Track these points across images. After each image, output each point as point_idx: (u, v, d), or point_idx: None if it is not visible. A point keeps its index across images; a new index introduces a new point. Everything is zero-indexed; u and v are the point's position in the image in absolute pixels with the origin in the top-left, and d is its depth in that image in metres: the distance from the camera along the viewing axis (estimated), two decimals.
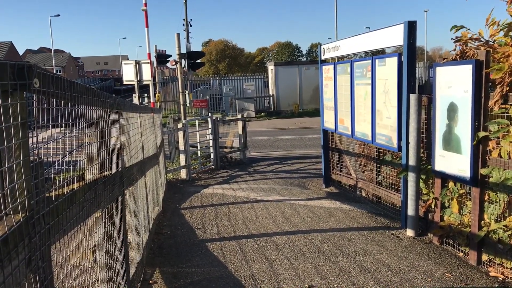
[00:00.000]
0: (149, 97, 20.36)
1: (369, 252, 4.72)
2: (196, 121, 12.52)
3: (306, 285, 3.95)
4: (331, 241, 5.10)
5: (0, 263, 1.25)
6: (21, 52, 73.12)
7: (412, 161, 5.08)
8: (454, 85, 4.41)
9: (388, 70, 5.60)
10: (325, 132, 8.16)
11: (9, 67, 1.39)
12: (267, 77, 28.34)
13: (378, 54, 7.02)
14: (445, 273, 4.13)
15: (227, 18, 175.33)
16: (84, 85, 2.24)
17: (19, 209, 1.47)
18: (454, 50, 4.92)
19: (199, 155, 11.35)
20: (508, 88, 3.92)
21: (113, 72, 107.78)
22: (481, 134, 4.07)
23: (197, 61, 14.55)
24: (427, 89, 24.86)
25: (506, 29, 4.38)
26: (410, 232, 5.21)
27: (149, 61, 13.88)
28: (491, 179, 4.05)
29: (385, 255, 4.61)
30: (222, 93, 26.11)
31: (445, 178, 4.76)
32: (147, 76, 13.68)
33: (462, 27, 4.78)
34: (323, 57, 7.89)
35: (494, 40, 4.57)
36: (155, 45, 15.42)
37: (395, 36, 5.45)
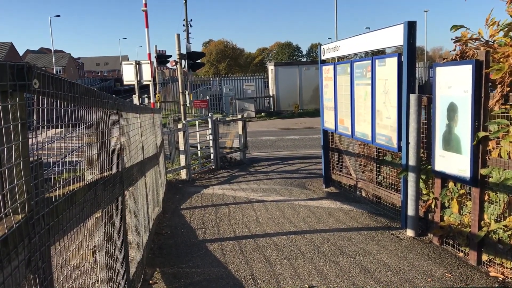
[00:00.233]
0: (149, 98, 20.36)
1: (369, 252, 4.72)
2: (196, 122, 12.52)
3: (306, 285, 3.95)
4: (331, 241, 5.10)
5: None
6: (21, 53, 73.15)
7: (412, 161, 5.08)
8: (454, 85, 4.41)
9: (388, 70, 5.60)
10: (325, 132, 8.16)
11: (9, 67, 1.39)
12: (267, 77, 28.34)
13: (378, 54, 7.03)
14: (445, 273, 4.13)
15: (227, 18, 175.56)
16: (84, 85, 2.24)
17: (18, 209, 1.47)
18: (454, 50, 4.92)
19: (199, 155, 11.35)
20: (508, 88, 3.92)
21: (113, 72, 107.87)
22: (481, 134, 4.07)
23: (197, 61, 14.57)
24: (427, 89, 24.89)
25: (506, 29, 4.38)
26: (410, 232, 5.21)
27: (149, 61, 13.88)
28: (491, 179, 4.05)
29: (385, 255, 4.61)
30: (222, 93, 26.12)
31: (445, 178, 4.76)
32: (147, 76, 13.68)
33: (462, 26, 4.78)
34: (323, 58, 7.90)
35: (494, 40, 4.57)
36: (155, 46, 15.44)
37: (395, 36, 5.45)
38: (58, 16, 55.74)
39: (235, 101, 24.60)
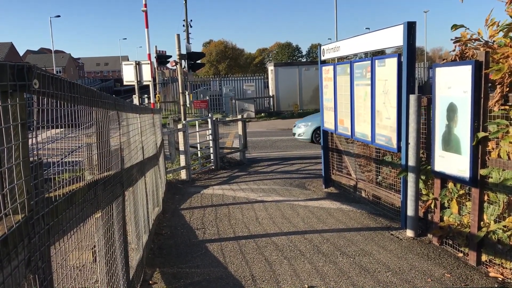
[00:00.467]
0: (149, 98, 20.35)
1: (369, 252, 4.73)
2: (196, 122, 12.53)
3: (306, 286, 3.95)
4: (330, 242, 5.11)
5: None
6: (21, 53, 73.13)
7: (411, 162, 5.09)
8: (453, 86, 4.42)
9: (387, 70, 5.60)
10: (325, 132, 8.16)
11: (9, 68, 1.39)
12: (267, 77, 28.36)
13: (377, 54, 7.03)
14: (445, 274, 4.13)
15: (227, 19, 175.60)
16: (84, 85, 2.24)
17: (18, 209, 1.47)
18: (454, 50, 4.93)
19: (199, 155, 11.36)
20: (508, 88, 3.92)
21: (113, 72, 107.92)
22: (481, 134, 4.08)
23: (197, 61, 14.57)
24: (426, 90, 24.88)
25: (505, 29, 4.38)
26: (409, 233, 5.21)
27: (149, 61, 13.88)
28: (490, 180, 4.05)
29: (384, 256, 4.61)
30: (222, 93, 26.13)
31: (444, 178, 4.76)
32: (147, 76, 13.68)
33: (462, 26, 4.78)
34: (323, 58, 7.90)
35: (494, 41, 4.57)
36: (155, 46, 15.42)
37: (394, 37, 5.45)
38: (58, 16, 55.80)
39: (235, 101, 24.61)
